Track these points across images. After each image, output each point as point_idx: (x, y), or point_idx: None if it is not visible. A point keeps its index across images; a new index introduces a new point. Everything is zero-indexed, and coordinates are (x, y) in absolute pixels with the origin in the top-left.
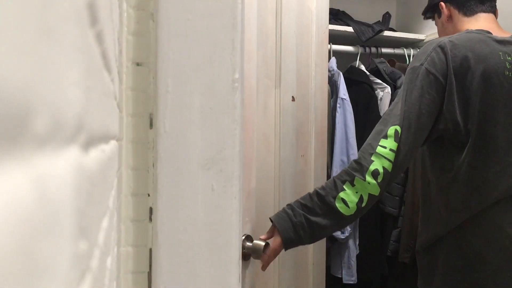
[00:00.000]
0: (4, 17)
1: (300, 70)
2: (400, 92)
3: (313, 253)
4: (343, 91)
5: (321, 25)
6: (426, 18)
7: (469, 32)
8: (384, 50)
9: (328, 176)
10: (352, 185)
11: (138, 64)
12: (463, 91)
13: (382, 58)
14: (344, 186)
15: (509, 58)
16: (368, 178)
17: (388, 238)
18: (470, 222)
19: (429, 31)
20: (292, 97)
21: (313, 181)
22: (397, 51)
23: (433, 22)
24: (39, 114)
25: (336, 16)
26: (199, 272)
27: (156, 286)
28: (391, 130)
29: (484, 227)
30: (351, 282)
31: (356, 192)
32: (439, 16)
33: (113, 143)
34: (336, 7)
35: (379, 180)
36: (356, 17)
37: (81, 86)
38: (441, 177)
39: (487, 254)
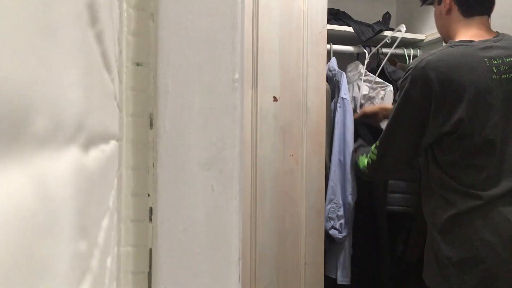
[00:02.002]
0: (4, 17)
1: (287, 71)
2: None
3: (305, 253)
4: (344, 91)
5: (317, 26)
6: (424, 4)
7: (452, 46)
8: (384, 50)
9: (327, 176)
10: None
11: (138, 64)
12: (453, 103)
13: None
14: None
15: (495, 61)
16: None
17: (399, 238)
18: (480, 216)
19: (429, 31)
20: (274, 97)
21: (305, 180)
22: (397, 51)
23: (434, 22)
24: (39, 114)
25: (336, 16)
26: (199, 272)
27: (156, 286)
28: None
29: (493, 220)
30: (345, 283)
31: None
32: (439, 3)
33: (113, 143)
34: (336, 7)
35: None
36: (356, 17)
37: (81, 86)
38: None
39: (497, 246)
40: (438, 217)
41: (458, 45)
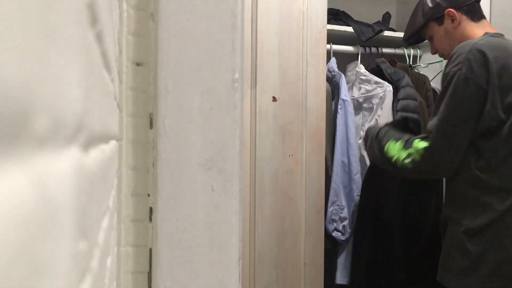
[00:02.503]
0: (4, 17)
1: (286, 71)
2: (441, 101)
3: (305, 253)
4: (344, 92)
5: (317, 26)
6: (411, 43)
7: (492, 35)
8: (384, 50)
9: (328, 177)
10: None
11: (138, 64)
12: (505, 88)
13: (383, 58)
14: None
15: None
16: None
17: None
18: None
19: None
20: (273, 97)
21: (305, 180)
22: (398, 51)
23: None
24: (39, 114)
25: (336, 16)
26: (199, 272)
27: (156, 286)
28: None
29: None
30: (344, 283)
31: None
32: (440, 24)
33: (113, 143)
34: (336, 7)
35: None
36: (356, 17)
37: (81, 86)
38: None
39: None
40: (469, 219)
41: (496, 36)
